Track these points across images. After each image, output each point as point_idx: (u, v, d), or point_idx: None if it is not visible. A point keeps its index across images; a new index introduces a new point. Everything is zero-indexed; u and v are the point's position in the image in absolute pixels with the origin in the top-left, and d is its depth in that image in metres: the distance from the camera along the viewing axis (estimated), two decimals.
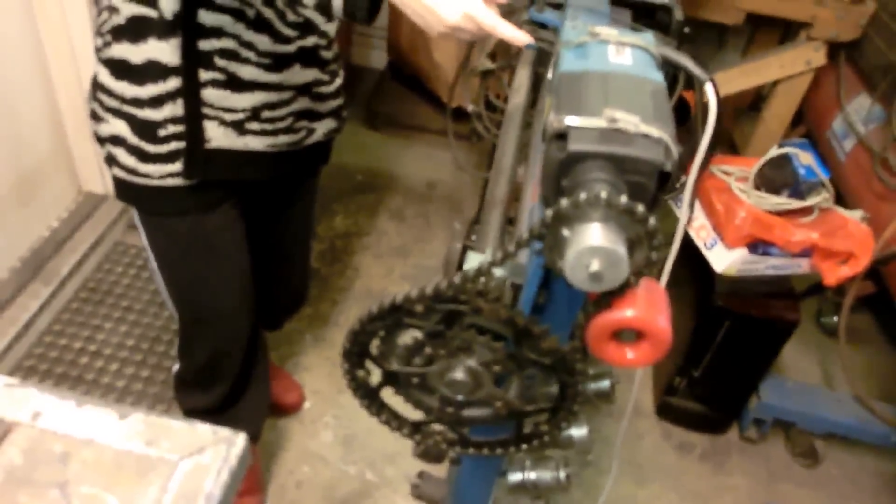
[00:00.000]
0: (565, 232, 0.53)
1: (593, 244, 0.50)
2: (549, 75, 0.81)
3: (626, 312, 0.56)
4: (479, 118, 1.79)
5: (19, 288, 1.94)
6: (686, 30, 1.56)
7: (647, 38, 0.73)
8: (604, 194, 0.51)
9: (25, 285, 1.96)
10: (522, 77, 1.00)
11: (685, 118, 1.59)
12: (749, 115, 2.64)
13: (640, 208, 0.51)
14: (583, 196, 0.50)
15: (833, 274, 1.48)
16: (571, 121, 0.58)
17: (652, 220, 0.51)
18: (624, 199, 0.51)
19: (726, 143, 2.65)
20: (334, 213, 2.37)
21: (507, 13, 1.59)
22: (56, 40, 1.87)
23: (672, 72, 1.36)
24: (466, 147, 2.50)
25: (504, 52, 1.68)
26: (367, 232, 2.32)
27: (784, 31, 2.39)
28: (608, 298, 0.58)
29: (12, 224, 1.93)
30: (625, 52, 0.68)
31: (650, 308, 0.56)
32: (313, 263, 2.13)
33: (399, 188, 2.53)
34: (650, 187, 0.57)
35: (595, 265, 0.51)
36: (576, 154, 0.57)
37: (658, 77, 0.65)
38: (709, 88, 0.73)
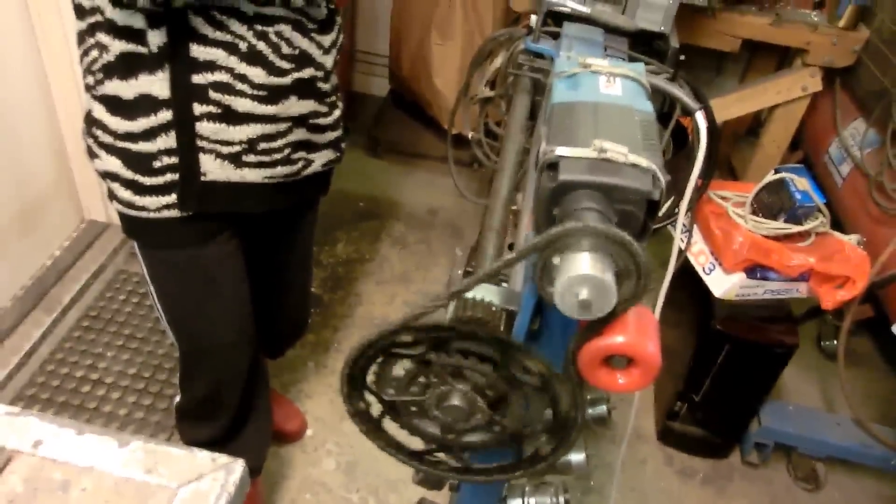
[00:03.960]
0: (555, 260, 0.54)
1: (582, 273, 0.51)
2: (544, 103, 0.83)
3: (616, 339, 0.57)
4: (479, 145, 1.81)
5: (21, 316, 1.95)
6: (681, 57, 1.59)
7: (638, 68, 0.74)
8: (592, 223, 0.52)
9: (27, 314, 1.97)
10: (519, 106, 1.02)
11: (683, 143, 1.61)
12: (747, 140, 2.66)
13: (628, 237, 0.52)
14: (571, 225, 0.52)
15: (830, 298, 1.49)
16: (562, 151, 0.59)
17: (639, 249, 0.52)
18: (612, 228, 0.52)
19: (725, 168, 2.67)
20: (336, 239, 2.38)
21: (507, 40, 1.62)
22: (59, 69, 1.90)
23: (669, 99, 1.38)
24: (468, 173, 2.52)
25: (503, 80, 1.71)
26: (369, 258, 2.34)
27: (780, 56, 2.43)
28: (599, 325, 0.58)
29: (15, 253, 1.95)
30: (615, 83, 0.70)
31: (640, 334, 0.57)
32: (315, 290, 2.14)
33: (401, 215, 2.55)
34: (639, 216, 0.59)
35: (584, 293, 0.52)
36: (566, 183, 0.58)
37: (647, 107, 0.67)
38: (699, 117, 0.75)
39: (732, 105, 2.22)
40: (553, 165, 0.59)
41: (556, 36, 1.34)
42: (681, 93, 0.76)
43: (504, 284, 0.77)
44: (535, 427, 0.73)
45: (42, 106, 1.94)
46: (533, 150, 0.99)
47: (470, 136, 1.81)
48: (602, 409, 0.88)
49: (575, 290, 0.52)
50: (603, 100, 0.66)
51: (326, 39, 1.11)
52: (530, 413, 0.72)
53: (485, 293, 0.71)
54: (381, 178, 2.71)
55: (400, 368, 0.68)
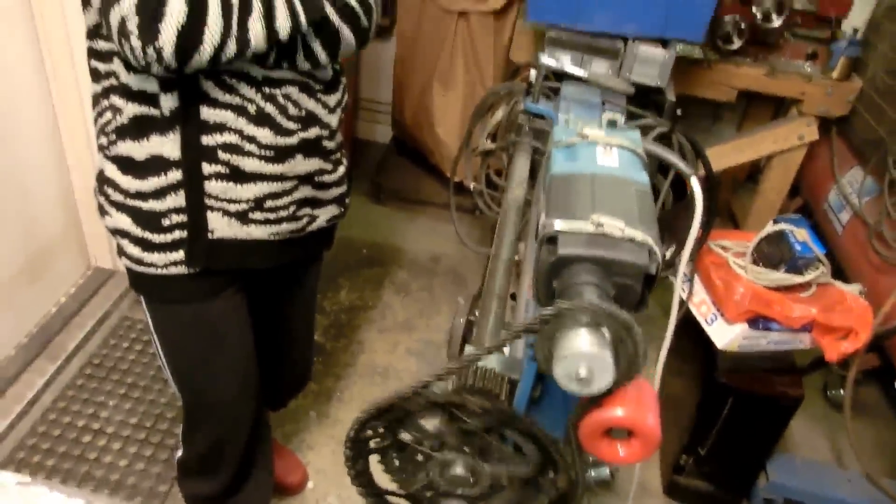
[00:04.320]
0: (554, 336, 0.55)
1: (581, 350, 0.52)
2: (543, 170, 0.85)
3: (615, 412, 0.57)
4: (480, 195, 1.84)
5: (25, 364, 1.96)
6: (678, 112, 1.62)
7: (634, 136, 0.76)
8: (590, 301, 0.53)
9: (31, 361, 1.97)
10: (519, 167, 1.04)
11: (683, 193, 1.63)
12: (747, 187, 2.69)
13: (625, 316, 0.53)
14: (570, 304, 0.53)
15: (834, 349, 1.49)
16: (560, 225, 0.61)
17: (638, 329, 0.53)
18: (610, 305, 0.53)
19: (725, 214, 2.69)
20: (340, 286, 2.39)
21: (507, 94, 1.65)
22: (72, 125, 1.94)
23: (669, 143, 1.40)
24: (470, 220, 2.54)
25: (503, 134, 1.74)
26: (372, 306, 2.34)
27: (776, 104, 2.46)
28: (598, 397, 0.59)
29: (22, 301, 1.96)
30: (612, 153, 0.72)
31: (639, 407, 0.57)
32: (318, 338, 2.14)
33: (404, 262, 2.56)
34: (637, 288, 0.60)
35: (583, 371, 0.52)
36: (565, 258, 0.59)
37: (643, 178, 0.68)
38: (694, 183, 0.77)
39: (730, 153, 2.25)
40: (552, 239, 0.60)
41: (556, 91, 1.37)
42: (675, 158, 0.77)
43: (506, 349, 0.78)
44: (539, 495, 0.73)
45: (54, 159, 1.97)
46: (533, 211, 1.00)
47: (472, 187, 1.83)
48: (605, 471, 0.88)
49: (574, 367, 0.53)
50: (600, 171, 0.67)
51: (332, 99, 1.14)
52: (532, 481, 0.72)
53: (486, 360, 0.72)
54: (384, 225, 2.73)
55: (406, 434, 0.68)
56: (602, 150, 0.71)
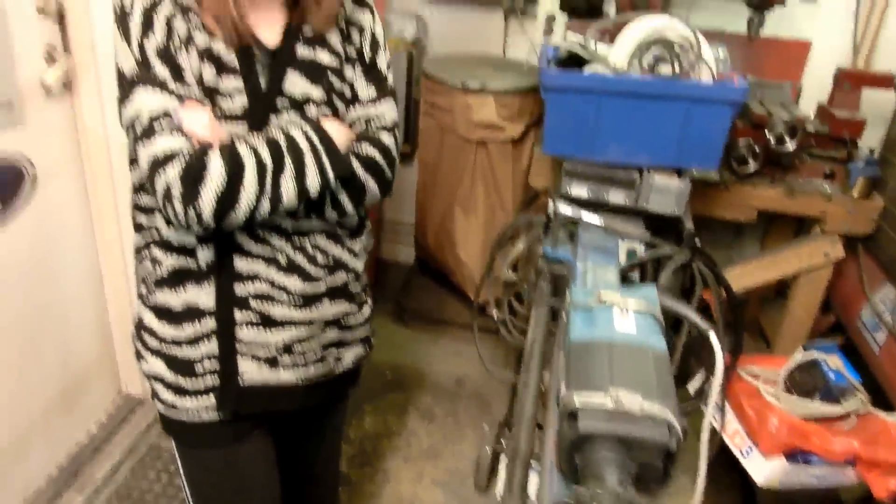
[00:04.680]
0: None
1: None
2: (562, 331, 0.85)
3: None
4: (503, 323, 1.84)
5: (55, 496, 1.94)
6: (697, 241, 1.63)
7: (650, 295, 0.77)
8: (611, 490, 0.52)
9: (61, 493, 1.96)
10: (539, 321, 1.04)
11: (710, 315, 1.62)
12: (776, 302, 2.66)
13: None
14: (590, 495, 0.52)
15: (882, 486, 1.42)
16: (581, 400, 0.61)
17: None
18: (629, 492, 0.52)
19: (755, 332, 2.64)
20: (364, 413, 2.37)
21: (527, 226, 1.68)
22: (111, 258, 2.01)
23: (691, 273, 1.40)
24: (494, 341, 2.53)
25: (525, 264, 1.77)
26: (396, 432, 2.30)
27: (798, 221, 2.47)
28: None
29: (54, 432, 1.97)
30: (629, 317, 0.72)
31: None
32: (343, 468, 2.10)
33: (428, 385, 2.54)
34: (657, 466, 0.59)
35: None
36: (585, 435, 0.59)
37: (660, 344, 0.68)
38: (713, 339, 0.77)
39: (755, 272, 2.24)
40: (573, 414, 0.60)
41: (572, 236, 1.39)
42: (692, 314, 0.78)
43: None
44: None
45: (93, 293, 2.04)
46: (553, 370, 1.00)
47: (494, 315, 1.84)
48: None
49: None
50: (618, 339, 0.68)
51: (357, 244, 1.19)
52: None
53: None
54: (408, 347, 2.73)
55: None
56: (619, 314, 0.72)
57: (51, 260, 1.82)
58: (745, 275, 2.21)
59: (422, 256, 3.03)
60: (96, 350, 2.10)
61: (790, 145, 2.02)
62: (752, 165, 2.09)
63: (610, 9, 2.18)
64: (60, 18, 1.70)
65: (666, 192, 1.65)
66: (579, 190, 1.67)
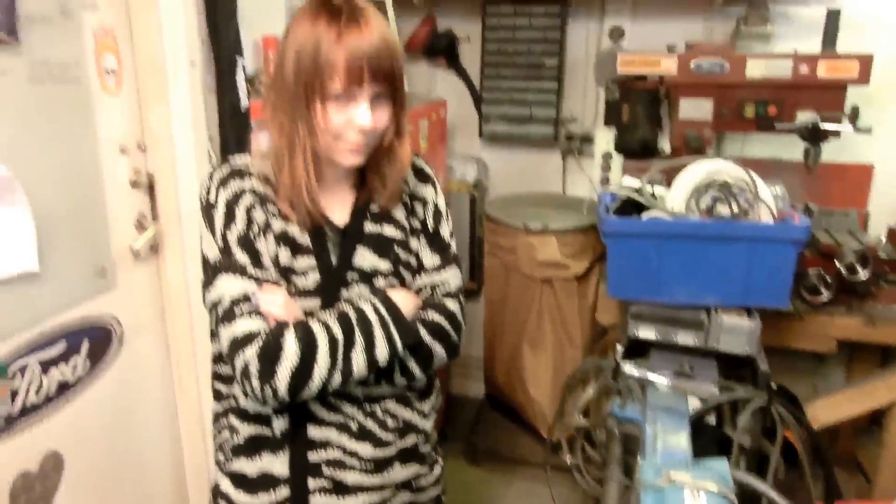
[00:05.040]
0: None
1: None
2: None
3: None
4: (577, 469, 1.79)
5: None
6: (773, 385, 1.57)
7: (722, 471, 0.75)
8: None
9: None
10: (613, 479, 1.02)
11: (794, 460, 1.53)
12: (871, 432, 2.49)
13: None
14: None
15: None
16: None
17: None
18: None
19: (853, 466, 2.47)
20: None
21: (596, 370, 1.66)
22: (189, 416, 2.08)
23: (770, 416, 1.34)
24: (570, 482, 2.43)
25: (596, 410, 1.74)
26: None
27: (884, 348, 2.36)
28: None
29: None
30: (700, 498, 0.70)
31: None
32: None
33: None
34: None
35: None
36: None
37: None
38: None
39: (843, 404, 2.12)
40: None
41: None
42: (770, 490, 0.75)
43: None
44: None
45: (171, 454, 2.08)
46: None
47: (567, 460, 1.79)
48: None
49: None
50: None
51: (426, 405, 1.20)
52: None
53: None
54: (481, 490, 2.65)
55: None
56: (690, 496, 0.70)
57: (132, 416, 1.90)
58: (832, 407, 2.10)
59: (492, 392, 3.01)
60: (170, 497, 2.12)
61: (863, 274, 1.97)
62: (825, 295, 2.04)
63: (665, 145, 2.25)
64: (150, 189, 1.86)
65: (736, 332, 1.62)
66: (647, 332, 1.66)
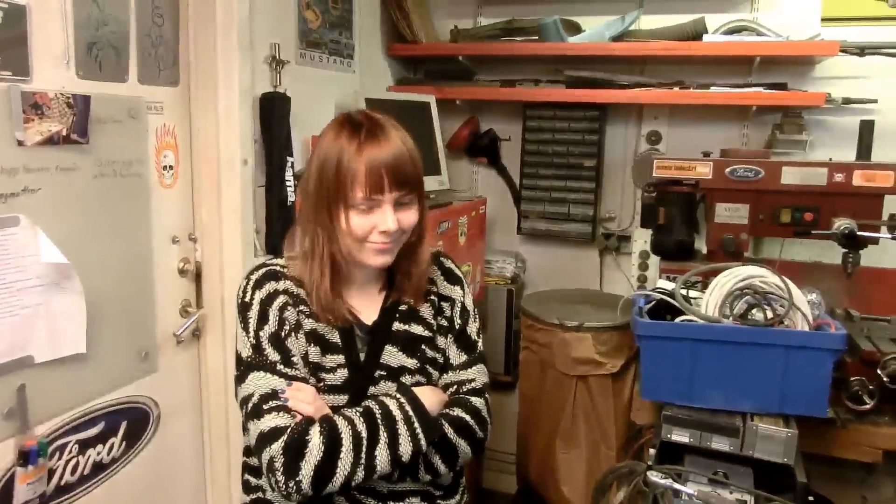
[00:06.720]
0: None
1: None
2: None
3: None
4: None
5: None
6: (811, 496, 1.52)
7: None
8: None
9: None
10: None
11: None
12: None
13: None
14: None
15: None
16: None
17: None
18: None
19: None
20: None
21: (628, 473, 1.63)
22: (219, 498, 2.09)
23: None
24: None
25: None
26: None
27: None
28: None
29: None
30: None
31: None
32: None
33: None
34: None
35: None
36: None
37: None
38: None
39: None
40: None
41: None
42: None
43: None
44: None
45: None
46: None
47: None
48: None
49: None
50: None
51: (452, 503, 1.20)
52: None
53: None
54: None
55: None
56: None
57: (162, 498, 1.91)
58: None
59: (524, 487, 2.93)
60: None
61: None
62: (868, 403, 1.97)
63: (701, 246, 2.27)
64: (197, 277, 1.95)
65: (773, 440, 1.58)
66: (680, 436, 1.63)
